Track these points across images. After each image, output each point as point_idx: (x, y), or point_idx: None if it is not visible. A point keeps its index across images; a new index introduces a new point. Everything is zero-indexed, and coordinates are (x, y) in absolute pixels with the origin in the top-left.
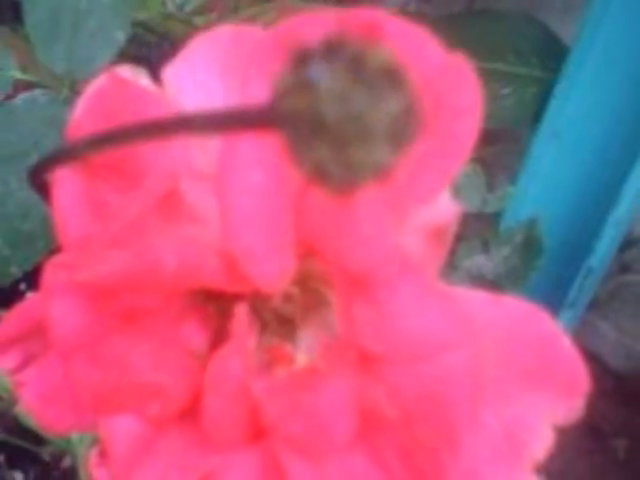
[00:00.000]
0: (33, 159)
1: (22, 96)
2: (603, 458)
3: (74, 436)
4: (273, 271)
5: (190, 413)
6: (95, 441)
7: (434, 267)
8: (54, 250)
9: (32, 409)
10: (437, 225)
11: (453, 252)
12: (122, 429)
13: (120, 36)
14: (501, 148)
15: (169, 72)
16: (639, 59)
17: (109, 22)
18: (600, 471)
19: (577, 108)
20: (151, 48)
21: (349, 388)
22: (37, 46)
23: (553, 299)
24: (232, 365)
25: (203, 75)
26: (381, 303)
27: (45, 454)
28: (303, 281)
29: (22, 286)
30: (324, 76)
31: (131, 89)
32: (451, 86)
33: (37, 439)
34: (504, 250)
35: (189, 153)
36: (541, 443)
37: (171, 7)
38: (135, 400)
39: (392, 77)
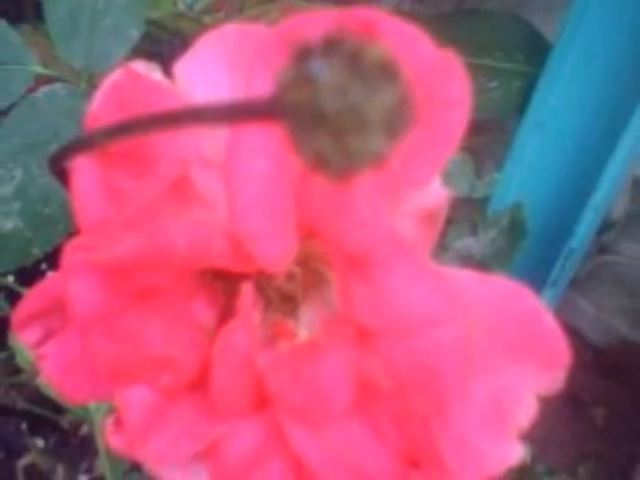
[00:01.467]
0: (53, 148)
1: (43, 89)
2: (583, 425)
3: (91, 405)
4: (276, 252)
5: (199, 384)
6: (111, 410)
7: (426, 248)
8: (73, 232)
9: (52, 380)
10: (429, 209)
11: (444, 234)
12: (136, 399)
13: (134, 34)
14: (488, 138)
15: (180, 67)
16: (616, 55)
17: (124, 21)
18: (580, 438)
19: (559, 100)
20: (163, 45)
21: (347, 361)
22: (57, 43)
23: (536, 278)
24: (238, 339)
25: (211, 70)
26: (377, 282)
27: (64, 422)
28: (304, 261)
29: (43, 266)
30: (324, 71)
31: (144, 82)
32: (442, 80)
33: (57, 408)
34: (491, 232)
35: (199, 142)
36: (525, 411)
37: (182, 7)
38: (148, 372)
39: (387, 72)
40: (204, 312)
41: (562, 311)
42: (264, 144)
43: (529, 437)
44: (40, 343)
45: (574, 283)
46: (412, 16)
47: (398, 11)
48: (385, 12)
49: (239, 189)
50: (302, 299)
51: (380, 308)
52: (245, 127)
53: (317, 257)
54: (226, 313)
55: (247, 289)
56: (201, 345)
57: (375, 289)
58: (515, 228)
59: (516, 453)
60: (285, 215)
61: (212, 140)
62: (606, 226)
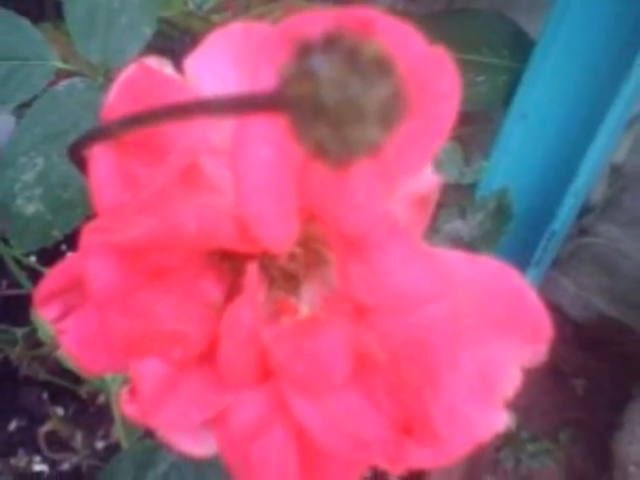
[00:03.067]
0: (72, 137)
1: (63, 83)
2: (564, 395)
3: (108, 376)
4: (280, 234)
5: (208, 357)
6: (126, 381)
7: (419, 230)
8: (91, 216)
9: (71, 353)
10: (421, 194)
11: (435, 217)
12: (149, 371)
13: (147, 31)
14: (476, 128)
15: (189, 62)
16: (594, 52)
17: (138, 19)
18: (561, 406)
19: (542, 93)
20: (174, 42)
21: (345, 335)
22: (76, 40)
23: (521, 258)
24: (244, 315)
25: (219, 65)
26: (373, 261)
27: (83, 392)
28: (306, 242)
29: (63, 247)
30: (323, 66)
31: (157, 76)
32: (433, 74)
33: (76, 379)
34: (479, 216)
35: (208, 132)
36: (510, 382)
37: (192, 6)
38: (160, 345)
39: (382, 67)
40: (212, 290)
41: (545, 289)
42: (268, 134)
43: (514, 406)
44: (60, 319)
45: (556, 263)
46: (405, 15)
47: (392, 10)
48: (380, 11)
49: (245, 175)
50: (303, 278)
51: (376, 286)
52: (250, 118)
53: (317, 239)
54: (233, 291)
55: (252, 268)
56: (209, 321)
57: (371, 268)
58: (501, 212)
59: (502, 421)
60: (287, 200)
61: (220, 130)
62: (586, 210)
